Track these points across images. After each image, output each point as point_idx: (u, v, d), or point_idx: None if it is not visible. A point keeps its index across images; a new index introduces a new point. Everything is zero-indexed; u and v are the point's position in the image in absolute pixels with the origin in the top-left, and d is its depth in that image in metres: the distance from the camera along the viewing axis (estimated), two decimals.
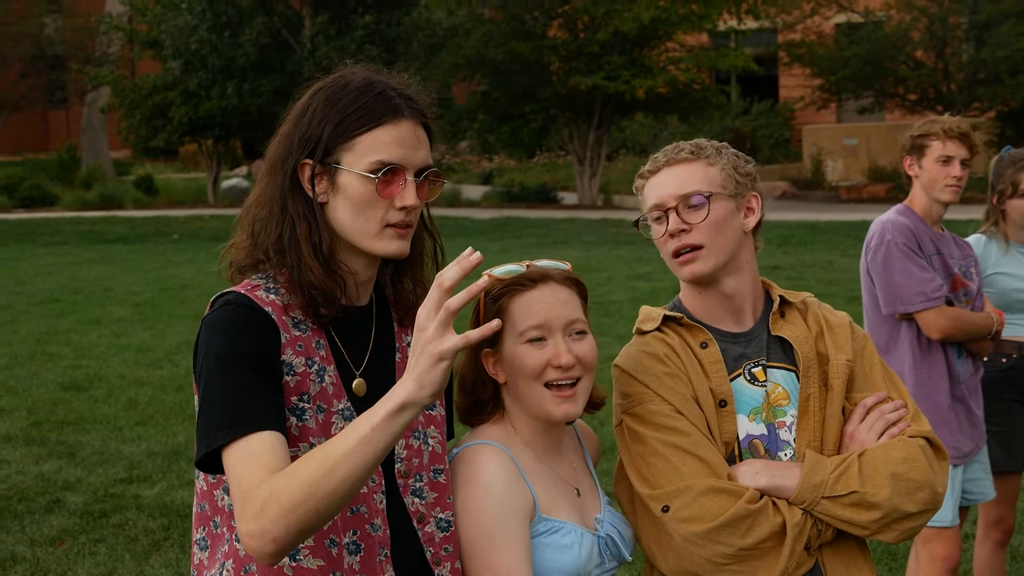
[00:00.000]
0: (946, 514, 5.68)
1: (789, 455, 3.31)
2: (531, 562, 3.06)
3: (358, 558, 2.85)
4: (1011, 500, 6.23)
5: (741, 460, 3.28)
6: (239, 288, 2.85)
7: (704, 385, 3.31)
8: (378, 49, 31.33)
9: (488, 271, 3.18)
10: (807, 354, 3.35)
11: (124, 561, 7.46)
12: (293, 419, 2.79)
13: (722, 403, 3.30)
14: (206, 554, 2.89)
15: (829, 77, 33.16)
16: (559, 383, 3.11)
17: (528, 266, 3.17)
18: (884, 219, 5.75)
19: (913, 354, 5.68)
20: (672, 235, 3.34)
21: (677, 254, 3.35)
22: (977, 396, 5.81)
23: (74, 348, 13.99)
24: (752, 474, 3.22)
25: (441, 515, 3.01)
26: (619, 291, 16.75)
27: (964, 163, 5.72)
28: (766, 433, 3.33)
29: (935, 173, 5.70)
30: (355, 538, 2.85)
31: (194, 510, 2.93)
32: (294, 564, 2.79)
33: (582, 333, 3.15)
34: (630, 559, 3.30)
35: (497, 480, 3.06)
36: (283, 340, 2.79)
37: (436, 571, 2.97)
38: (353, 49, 30.44)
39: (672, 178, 3.36)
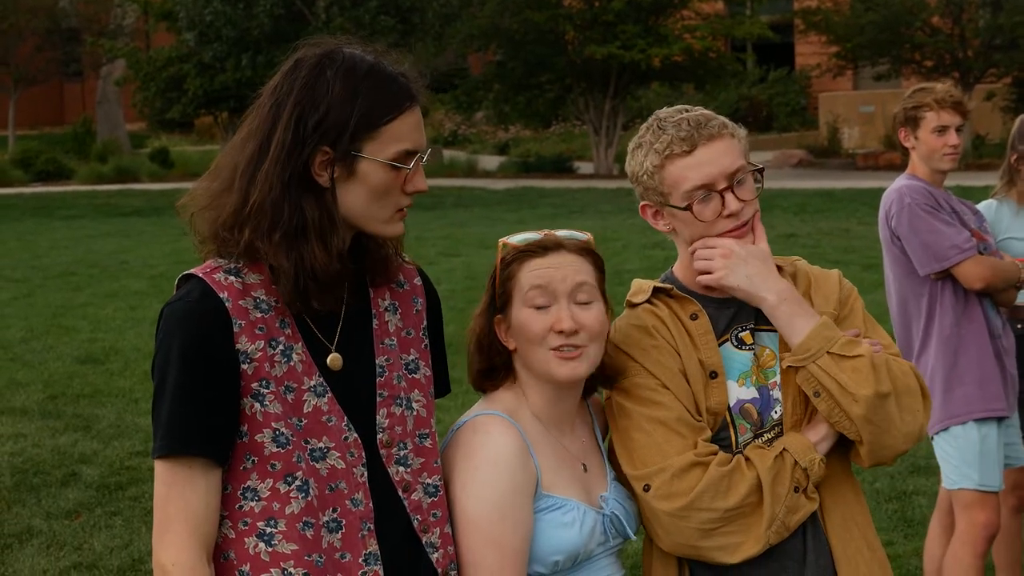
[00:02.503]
0: (994, 478, 5.68)
1: (780, 413, 3.30)
2: (531, 540, 3.05)
3: (339, 535, 2.84)
4: None
5: (733, 427, 3.28)
6: (199, 271, 2.85)
7: (693, 356, 3.29)
8: (393, 20, 31.26)
9: (505, 239, 3.18)
10: None
11: (140, 533, 7.47)
12: (257, 405, 2.80)
13: (712, 374, 3.28)
14: None
15: (845, 44, 32.94)
16: (563, 348, 3.11)
17: (545, 234, 3.18)
18: (897, 186, 5.77)
19: (955, 312, 5.72)
20: (733, 213, 3.26)
21: (735, 230, 3.28)
22: (1011, 356, 5.82)
23: (90, 321, 14.02)
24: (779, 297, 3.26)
25: (428, 480, 2.99)
26: (634, 260, 16.72)
27: (959, 130, 5.74)
28: (757, 396, 3.31)
29: (932, 144, 5.73)
30: (335, 515, 2.84)
31: None
32: (270, 549, 2.80)
33: (588, 302, 3.14)
34: (635, 537, 3.28)
35: (505, 455, 3.05)
36: (237, 328, 2.78)
37: (424, 539, 2.95)
38: (368, 20, 30.37)
39: (717, 155, 3.25)
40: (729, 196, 3.25)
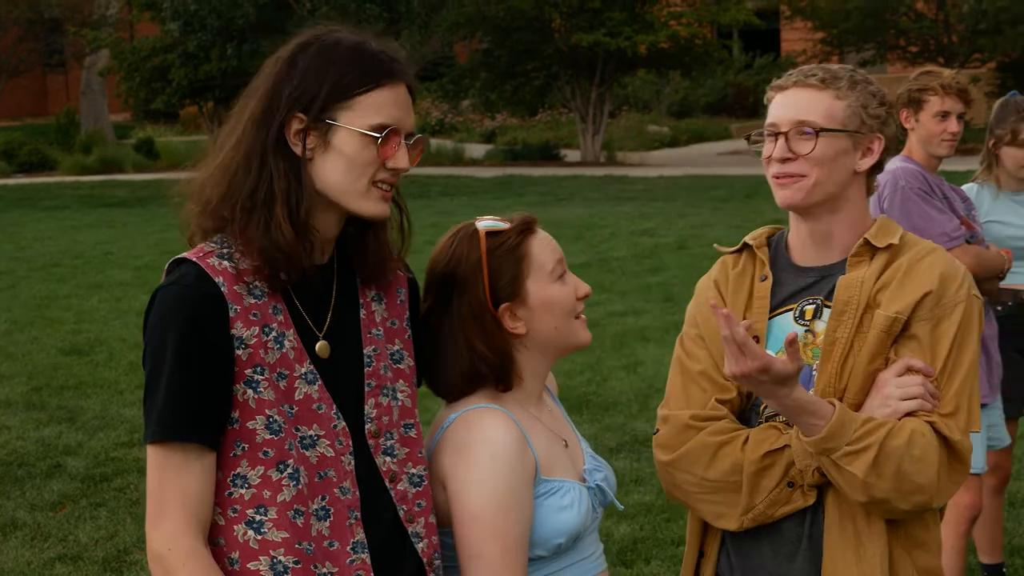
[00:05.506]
0: (977, 461, 5.69)
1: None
2: (531, 527, 3.03)
3: (327, 523, 2.83)
4: (1008, 447, 6.26)
5: None
6: (192, 255, 2.83)
7: (737, 317, 3.26)
8: (378, 8, 31.18)
9: (484, 228, 3.12)
10: (848, 297, 3.21)
11: (125, 524, 7.44)
12: (250, 392, 2.77)
13: (754, 339, 3.20)
14: None
15: (831, 30, 33.00)
16: (581, 313, 3.16)
17: (510, 218, 3.14)
18: (892, 168, 5.76)
19: None
20: (777, 159, 3.25)
21: (778, 177, 3.26)
22: (994, 342, 5.81)
23: (75, 313, 13.96)
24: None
25: (413, 470, 2.98)
26: (622, 247, 16.69)
27: (960, 117, 5.73)
28: None
29: (932, 128, 5.73)
30: (324, 503, 2.83)
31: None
32: (259, 537, 2.79)
33: None
34: (621, 507, 3.33)
35: (505, 447, 3.01)
36: (232, 314, 2.76)
37: (410, 528, 2.94)
38: (353, 8, 30.28)
39: (794, 101, 3.26)
40: (780, 141, 3.25)
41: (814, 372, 3.24)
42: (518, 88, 33.32)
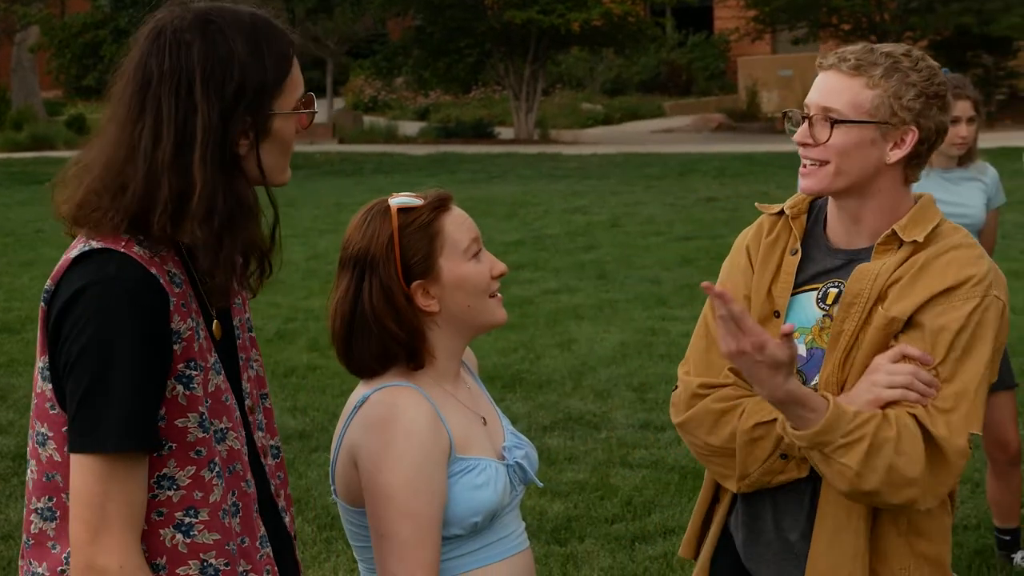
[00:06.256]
0: None
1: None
2: (445, 507, 3.01)
3: (238, 519, 2.69)
4: None
5: None
6: (113, 245, 2.58)
7: (763, 288, 3.27)
8: None
9: (397, 204, 3.06)
10: (859, 290, 3.15)
11: None
12: (180, 387, 2.57)
13: (775, 314, 3.26)
14: (53, 526, 2.65)
15: (763, 8, 33.11)
16: (496, 292, 3.13)
17: (424, 194, 3.09)
18: None
19: None
20: (799, 143, 3.22)
21: (803, 162, 3.23)
22: None
23: (6, 291, 13.82)
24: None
25: (272, 442, 2.86)
26: (555, 225, 16.71)
27: None
28: (804, 355, 3.23)
29: None
30: (235, 499, 2.69)
31: (34, 476, 2.67)
32: (188, 540, 2.61)
33: None
34: (541, 484, 3.27)
35: (419, 426, 2.97)
36: (171, 306, 2.55)
37: (279, 504, 2.84)
38: None
39: (824, 85, 3.20)
40: (804, 126, 3.21)
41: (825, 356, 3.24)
42: (451, 65, 33.26)
